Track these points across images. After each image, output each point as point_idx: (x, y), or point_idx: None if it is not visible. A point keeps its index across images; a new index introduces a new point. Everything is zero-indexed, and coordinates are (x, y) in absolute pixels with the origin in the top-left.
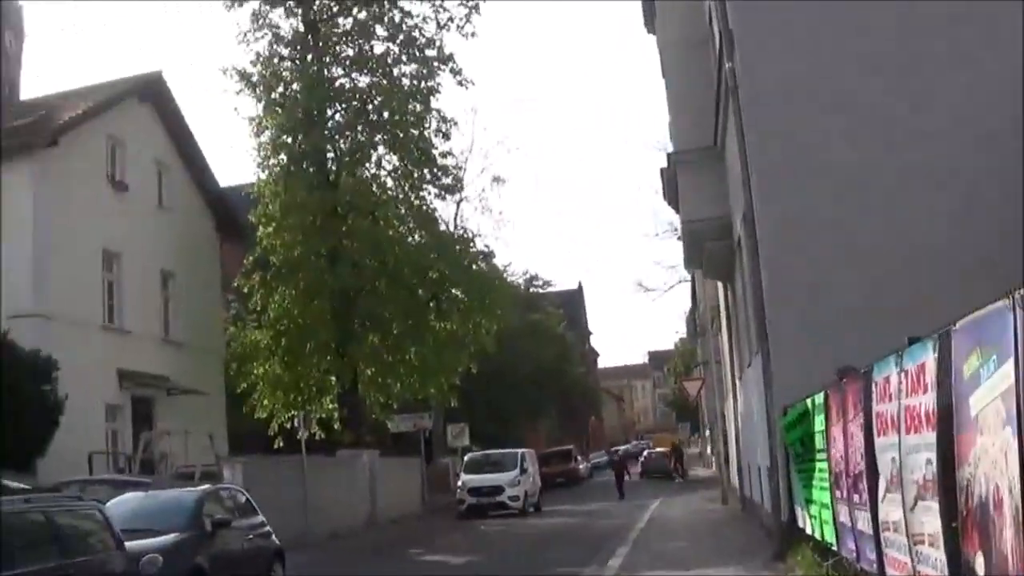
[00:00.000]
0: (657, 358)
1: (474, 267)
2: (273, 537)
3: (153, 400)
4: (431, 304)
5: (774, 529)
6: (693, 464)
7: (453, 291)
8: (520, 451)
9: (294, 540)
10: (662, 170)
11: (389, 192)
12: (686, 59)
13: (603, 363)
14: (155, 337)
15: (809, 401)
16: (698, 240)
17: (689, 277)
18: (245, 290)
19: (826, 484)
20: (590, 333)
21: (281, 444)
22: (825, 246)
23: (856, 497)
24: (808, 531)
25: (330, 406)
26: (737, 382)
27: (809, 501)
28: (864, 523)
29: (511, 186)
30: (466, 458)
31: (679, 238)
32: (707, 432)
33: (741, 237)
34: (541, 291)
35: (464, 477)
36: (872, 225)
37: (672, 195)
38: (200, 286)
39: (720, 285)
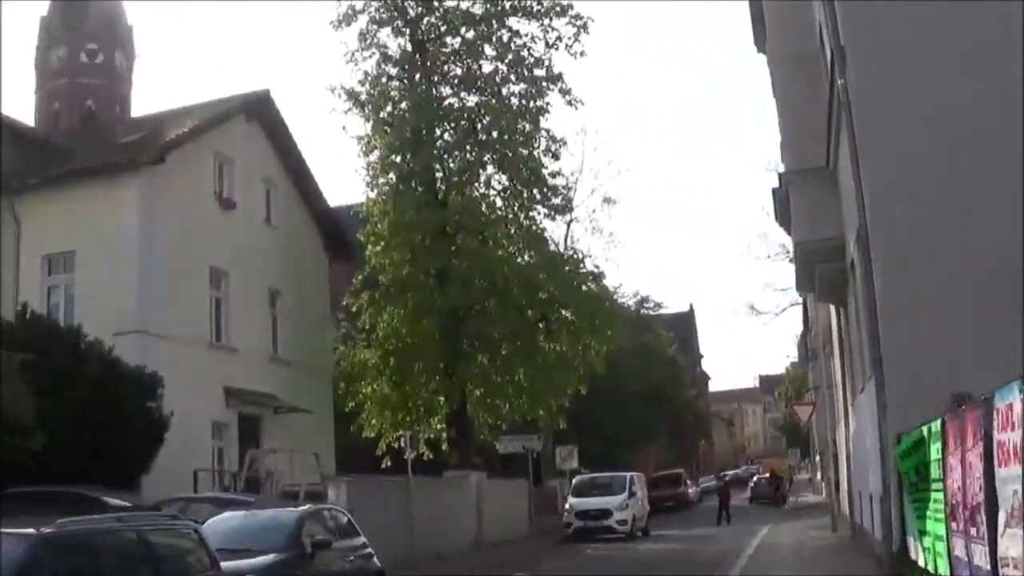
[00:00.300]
0: (768, 382)
1: (584, 288)
2: (375, 559)
3: (260, 418)
4: (540, 325)
5: (884, 559)
6: (802, 490)
7: (562, 312)
8: (629, 474)
9: (399, 561)
10: (774, 191)
11: (498, 212)
12: (797, 77)
13: (714, 387)
14: (262, 355)
15: (925, 429)
16: (810, 262)
17: (801, 300)
18: (354, 309)
19: (941, 515)
20: (701, 356)
21: (389, 464)
22: (942, 267)
23: (973, 530)
24: (920, 563)
25: (438, 426)
26: (849, 407)
27: (922, 532)
28: (981, 558)
29: (622, 207)
30: (574, 481)
31: (791, 260)
32: (817, 458)
33: (854, 258)
34: (652, 313)
35: (572, 500)
36: (991, 246)
37: (784, 216)
38: (308, 305)
39: (832, 308)
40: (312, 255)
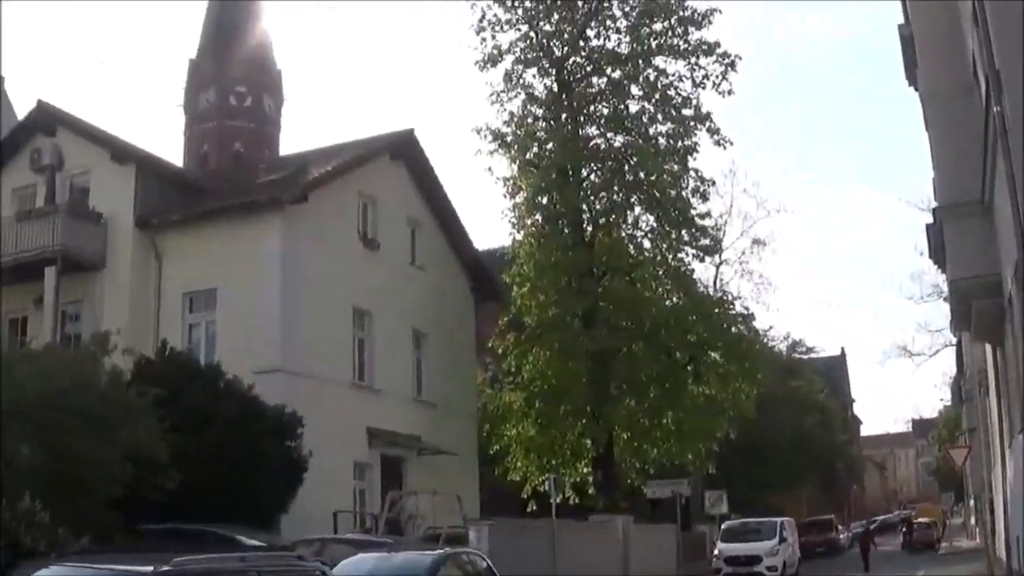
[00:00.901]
0: (921, 426)
1: (733, 330)
2: None
3: (403, 460)
4: (688, 367)
5: None
6: (956, 535)
7: (711, 354)
8: (779, 520)
9: None
10: (928, 227)
11: (646, 253)
12: (950, 109)
13: (865, 431)
14: (406, 396)
15: None
16: (965, 299)
17: (955, 341)
18: (500, 351)
19: None
20: (852, 400)
21: (534, 508)
22: None
23: None
24: None
25: (584, 470)
26: (1007, 449)
27: None
28: None
29: (772, 249)
30: (723, 526)
31: (945, 299)
32: (971, 502)
33: (1012, 294)
34: (803, 357)
35: (721, 545)
36: None
37: (939, 253)
38: (453, 346)
39: (988, 348)
40: (458, 296)
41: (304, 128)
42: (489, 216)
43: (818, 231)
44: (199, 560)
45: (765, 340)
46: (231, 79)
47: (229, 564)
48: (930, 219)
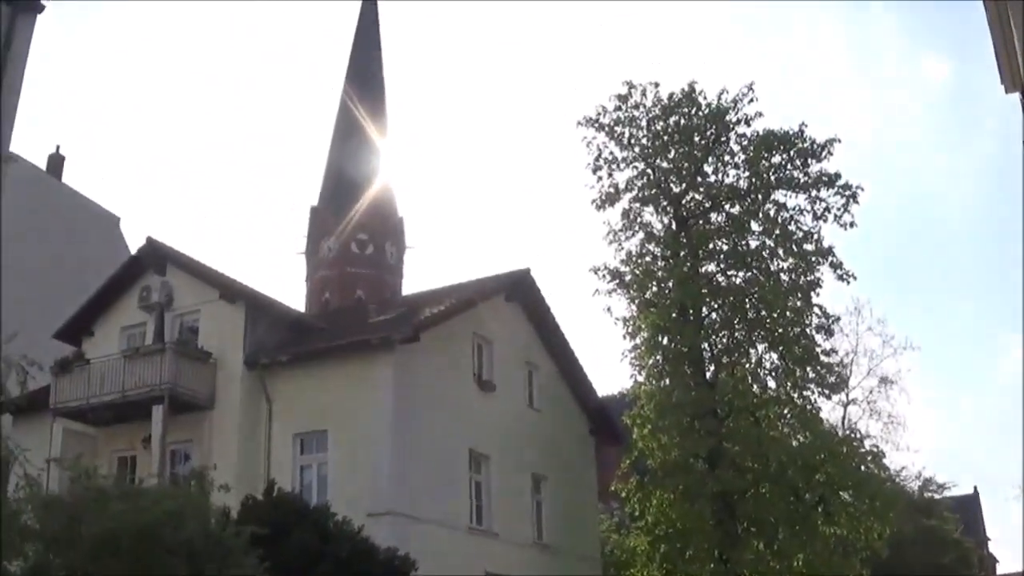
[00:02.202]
0: None
1: (863, 468)
2: None
3: None
4: (818, 508)
5: None
6: None
7: (841, 494)
8: None
9: None
10: None
11: (770, 391)
12: None
13: (1003, 568)
14: (526, 541)
15: None
16: None
17: None
18: (623, 495)
19: None
20: (988, 539)
21: None
22: None
23: None
24: None
25: None
26: None
27: None
28: None
29: (900, 388)
30: None
31: None
32: None
33: None
34: (936, 496)
35: None
36: None
37: None
38: (574, 489)
39: None
40: (577, 439)
41: (426, 272)
42: (609, 359)
43: (941, 367)
44: None
45: (897, 479)
46: (353, 226)
47: None
48: None
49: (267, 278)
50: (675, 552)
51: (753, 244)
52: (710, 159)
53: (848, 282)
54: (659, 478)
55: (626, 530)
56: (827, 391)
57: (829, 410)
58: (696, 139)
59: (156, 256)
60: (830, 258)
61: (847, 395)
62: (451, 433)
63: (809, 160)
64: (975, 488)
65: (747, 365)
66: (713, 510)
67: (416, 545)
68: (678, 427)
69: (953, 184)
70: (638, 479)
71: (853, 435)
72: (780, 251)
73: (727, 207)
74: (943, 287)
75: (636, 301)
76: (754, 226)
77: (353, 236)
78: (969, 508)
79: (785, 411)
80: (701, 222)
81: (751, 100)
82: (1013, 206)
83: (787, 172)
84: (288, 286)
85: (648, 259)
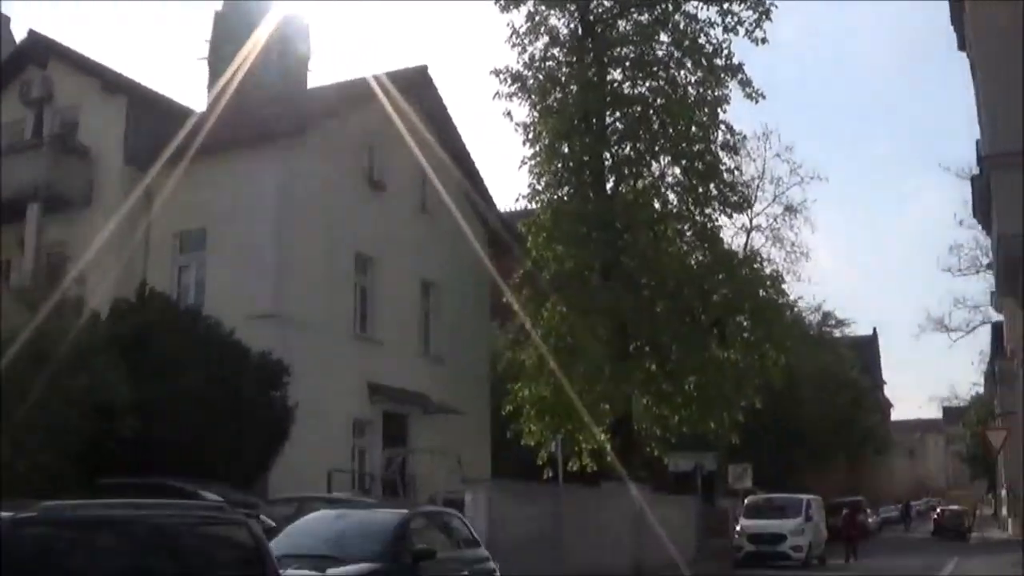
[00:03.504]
0: (952, 413)
1: (761, 293)
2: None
3: (407, 418)
4: (713, 330)
5: None
6: (987, 526)
7: (738, 317)
8: (805, 497)
9: None
10: (973, 179)
11: (671, 207)
12: (1004, 47)
13: (896, 415)
14: (413, 350)
15: None
16: (1014, 259)
17: (993, 318)
18: (516, 306)
19: None
20: (884, 383)
21: (550, 475)
22: None
23: None
24: None
25: (602, 436)
26: None
27: None
28: None
29: (805, 217)
30: (746, 501)
31: (988, 266)
32: (1004, 491)
33: None
34: (834, 332)
35: (743, 522)
36: None
37: (983, 209)
38: (466, 299)
39: None
40: (471, 247)
41: (330, 77)
42: (509, 173)
43: (853, 200)
44: (75, 506)
45: (797, 311)
46: (256, 32)
47: (115, 511)
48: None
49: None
50: (565, 367)
51: (660, 53)
52: None
53: (756, 100)
54: (552, 290)
55: (519, 342)
56: (729, 210)
57: (731, 235)
58: None
59: (38, 49)
60: (739, 75)
61: (751, 221)
62: (338, 234)
63: None
64: (874, 330)
65: (648, 178)
66: (606, 326)
67: (297, 351)
68: (574, 237)
69: (879, 22)
70: (531, 290)
71: (753, 255)
72: (688, 63)
73: (635, 14)
74: (859, 124)
75: (538, 107)
76: (663, 36)
77: (255, 42)
78: (867, 349)
79: (685, 227)
80: (608, 28)
81: None
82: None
83: None
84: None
85: (551, 64)
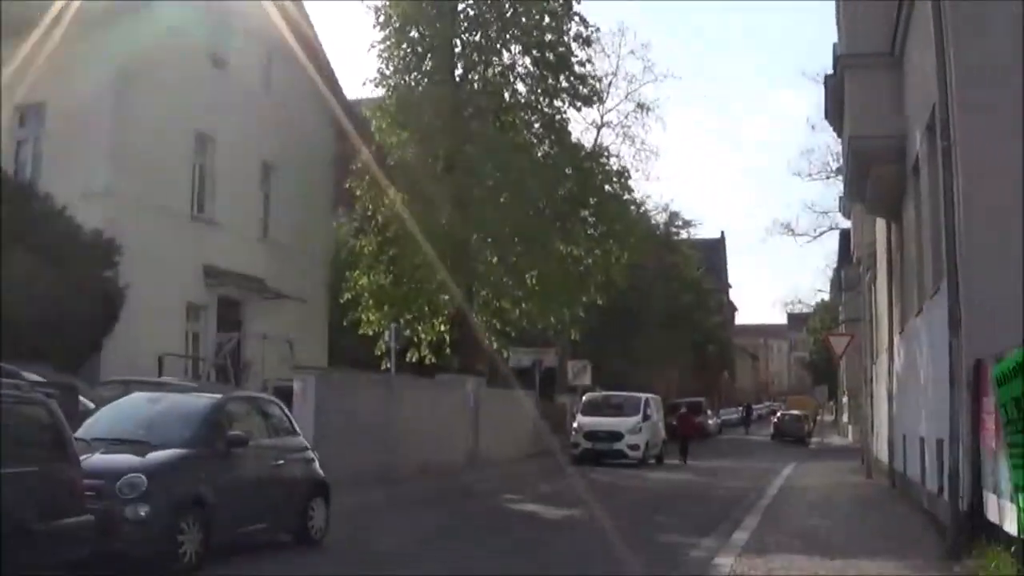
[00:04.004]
0: (796, 320)
1: (607, 188)
2: (315, 466)
3: (243, 303)
4: (557, 224)
5: (946, 518)
6: (827, 431)
7: (583, 212)
8: (644, 396)
9: (374, 472)
10: (826, 79)
11: (519, 97)
12: None
13: (740, 320)
14: (251, 234)
15: None
16: (864, 162)
17: (840, 224)
18: (358, 193)
19: None
20: (729, 286)
21: (389, 365)
22: None
23: None
24: (1011, 529)
25: (442, 328)
26: (896, 337)
27: (1021, 487)
28: None
29: (657, 116)
30: (584, 398)
31: (837, 171)
32: (844, 398)
33: (920, 154)
34: (681, 233)
35: (581, 419)
36: None
37: (836, 111)
38: (308, 184)
39: (882, 226)
40: (315, 129)
41: None
42: (359, 58)
43: (708, 103)
44: None
45: (643, 209)
46: None
47: None
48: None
49: None
50: (406, 257)
51: None
52: None
53: None
54: (395, 177)
55: (360, 229)
56: (579, 103)
57: (582, 131)
58: None
59: None
60: None
61: (601, 118)
62: (177, 113)
63: None
64: (722, 233)
65: (498, 67)
66: (448, 216)
67: (131, 231)
68: (419, 124)
69: None
70: (373, 177)
71: (600, 150)
72: None
73: None
74: (720, 26)
75: None
76: None
77: None
78: (714, 252)
79: (533, 119)
80: None
81: None
82: None
83: None
84: None
85: None
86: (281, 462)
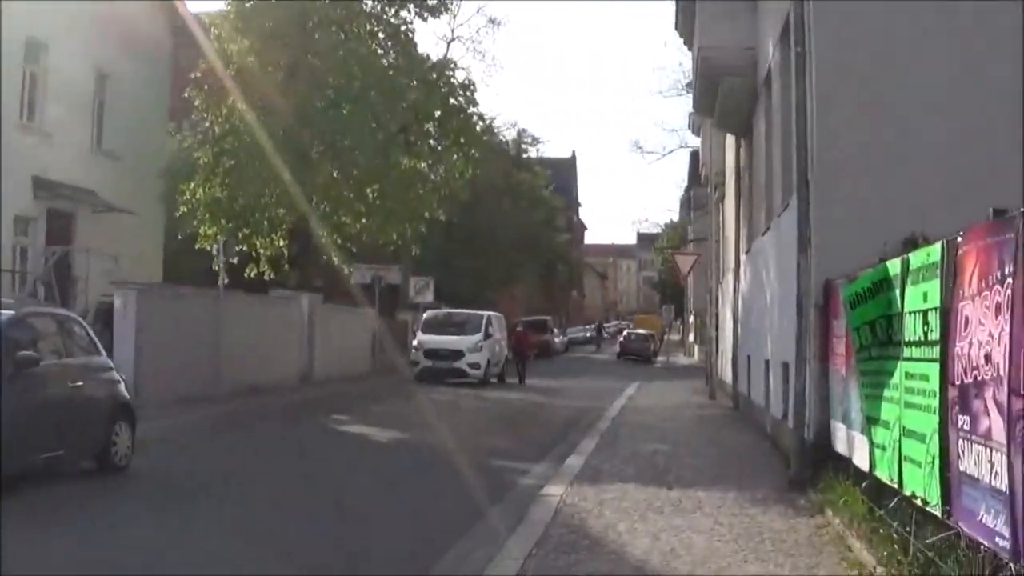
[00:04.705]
0: (646, 240)
1: (452, 101)
2: (121, 387)
3: (74, 216)
4: (401, 137)
5: (791, 446)
6: (674, 351)
7: (426, 125)
8: (486, 314)
9: (200, 391)
10: None
11: (363, 5)
12: None
13: (590, 239)
14: (84, 145)
15: (897, 263)
16: (714, 75)
17: (687, 143)
18: (196, 103)
19: (921, 398)
20: (579, 205)
21: (226, 283)
22: (899, 65)
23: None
24: (860, 463)
25: (281, 243)
26: (743, 256)
27: (873, 420)
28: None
29: (508, 31)
30: (425, 316)
31: (688, 85)
32: (691, 318)
33: (772, 66)
34: (531, 151)
35: (421, 337)
36: (955, 62)
37: (687, 24)
38: (144, 93)
39: (731, 143)
40: (153, 36)
41: None
42: None
43: (559, 21)
44: None
45: (491, 124)
46: None
47: None
48: None
49: None
50: (243, 168)
51: None
52: None
53: None
54: (235, 86)
55: (200, 139)
56: (426, 13)
57: (432, 46)
58: None
59: None
60: None
61: (452, 31)
62: (6, 17)
63: None
64: (573, 153)
65: None
66: (288, 127)
67: None
68: (260, 32)
69: None
70: (212, 86)
71: (446, 61)
72: None
73: None
74: None
75: None
76: None
77: None
78: (565, 171)
79: (378, 29)
80: None
81: None
82: None
83: None
84: None
85: None
86: (80, 384)
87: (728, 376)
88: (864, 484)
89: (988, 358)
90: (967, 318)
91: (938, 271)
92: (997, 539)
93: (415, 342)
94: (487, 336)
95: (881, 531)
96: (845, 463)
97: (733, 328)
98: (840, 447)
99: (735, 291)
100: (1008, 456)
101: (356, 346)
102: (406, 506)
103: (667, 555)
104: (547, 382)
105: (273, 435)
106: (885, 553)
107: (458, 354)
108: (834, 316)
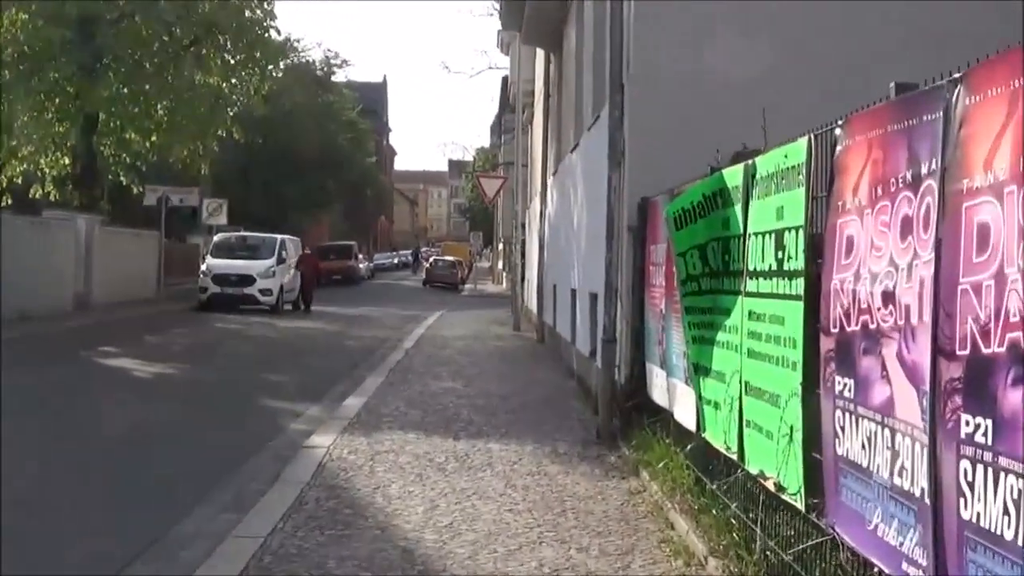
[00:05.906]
0: (457, 166)
1: (248, 14)
2: None
3: None
4: (191, 50)
5: (600, 391)
6: (482, 278)
7: (219, 37)
8: (280, 237)
9: None
10: None
11: None
12: None
13: (400, 165)
14: None
15: (739, 170)
16: None
17: (496, 64)
18: None
19: (776, 348)
20: (389, 129)
21: (9, 203)
22: None
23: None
24: (685, 421)
25: (63, 161)
26: (550, 179)
27: (703, 369)
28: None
29: None
30: (215, 239)
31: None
32: (500, 245)
33: None
34: (339, 69)
35: (210, 261)
36: None
37: None
38: None
39: (540, 61)
40: None
41: None
42: None
43: None
44: None
45: (294, 43)
46: None
47: None
48: None
49: None
50: (22, 80)
51: None
52: None
53: None
54: None
55: None
56: None
57: None
58: None
59: None
60: None
61: None
62: None
63: None
64: (384, 76)
65: None
66: (71, 37)
67: None
68: None
69: None
70: None
71: None
72: None
73: None
74: None
75: None
76: None
77: None
78: (375, 96)
79: None
80: None
81: None
82: None
83: None
84: None
85: None
86: None
87: (535, 306)
88: (690, 447)
89: (889, 298)
90: (850, 240)
91: (800, 176)
92: (906, 565)
93: (203, 267)
94: (281, 261)
95: (714, 512)
96: (666, 416)
97: (540, 254)
98: (657, 396)
99: (542, 215)
100: (930, 447)
101: (140, 272)
102: (138, 466)
103: (443, 532)
104: (346, 310)
105: (26, 370)
106: (722, 544)
107: (249, 279)
108: (652, 241)
